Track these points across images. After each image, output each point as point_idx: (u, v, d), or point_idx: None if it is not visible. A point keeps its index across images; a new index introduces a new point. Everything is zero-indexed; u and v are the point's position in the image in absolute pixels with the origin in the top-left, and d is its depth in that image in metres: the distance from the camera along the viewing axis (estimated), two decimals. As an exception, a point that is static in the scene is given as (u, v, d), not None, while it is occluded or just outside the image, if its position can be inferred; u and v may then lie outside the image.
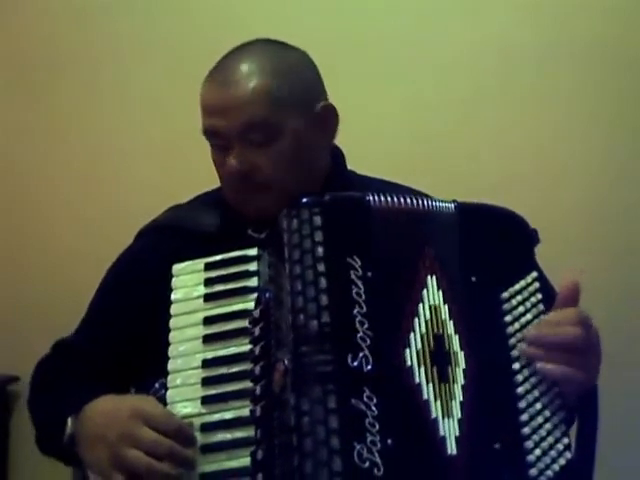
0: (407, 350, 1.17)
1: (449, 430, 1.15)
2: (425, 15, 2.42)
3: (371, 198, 1.25)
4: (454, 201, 1.28)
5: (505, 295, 1.24)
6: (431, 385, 1.16)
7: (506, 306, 1.24)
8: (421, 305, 1.21)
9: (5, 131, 2.73)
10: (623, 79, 2.31)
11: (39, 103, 2.69)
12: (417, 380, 1.16)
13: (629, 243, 2.30)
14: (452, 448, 1.14)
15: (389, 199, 1.25)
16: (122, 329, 1.45)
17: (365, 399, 1.11)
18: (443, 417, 1.15)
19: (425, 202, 1.27)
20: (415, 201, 1.26)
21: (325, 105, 1.45)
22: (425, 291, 1.22)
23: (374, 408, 1.10)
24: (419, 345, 1.18)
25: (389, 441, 1.09)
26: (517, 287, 1.25)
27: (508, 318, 1.23)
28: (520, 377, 1.20)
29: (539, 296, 1.25)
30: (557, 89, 2.35)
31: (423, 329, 1.19)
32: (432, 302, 1.21)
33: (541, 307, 1.25)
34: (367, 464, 1.07)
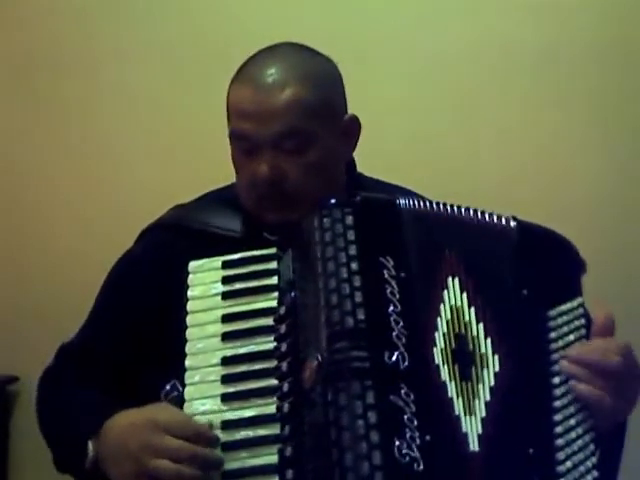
0: (434, 348, 1.19)
1: (471, 427, 1.17)
2: (425, 14, 2.43)
3: (400, 201, 1.27)
4: (514, 218, 1.30)
5: (552, 313, 1.26)
6: (453, 383, 1.18)
7: (552, 323, 1.26)
8: (442, 305, 1.23)
9: (5, 131, 2.72)
10: (623, 79, 2.31)
11: (39, 103, 2.69)
12: (443, 378, 1.18)
13: (629, 243, 2.30)
14: (474, 445, 1.16)
15: (416, 202, 1.28)
16: (126, 329, 1.44)
17: (403, 395, 1.12)
18: (465, 414, 1.17)
19: (465, 211, 1.29)
20: (442, 207, 1.29)
21: (351, 116, 1.46)
22: (446, 292, 1.23)
23: (412, 405, 1.12)
24: (442, 344, 1.20)
25: (427, 437, 1.11)
26: (564, 308, 1.27)
27: (553, 335, 1.25)
28: (558, 392, 1.23)
29: (583, 321, 1.28)
30: (557, 89, 2.35)
31: (444, 328, 1.21)
32: (453, 303, 1.23)
33: (583, 332, 1.27)
34: (407, 459, 1.08)
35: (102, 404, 1.33)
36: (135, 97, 2.61)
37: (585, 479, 1.20)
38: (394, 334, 1.16)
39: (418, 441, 1.10)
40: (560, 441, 1.20)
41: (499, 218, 1.30)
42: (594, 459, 1.21)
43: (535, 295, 1.26)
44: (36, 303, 2.65)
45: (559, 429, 1.20)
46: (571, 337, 1.26)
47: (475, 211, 1.29)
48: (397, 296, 1.19)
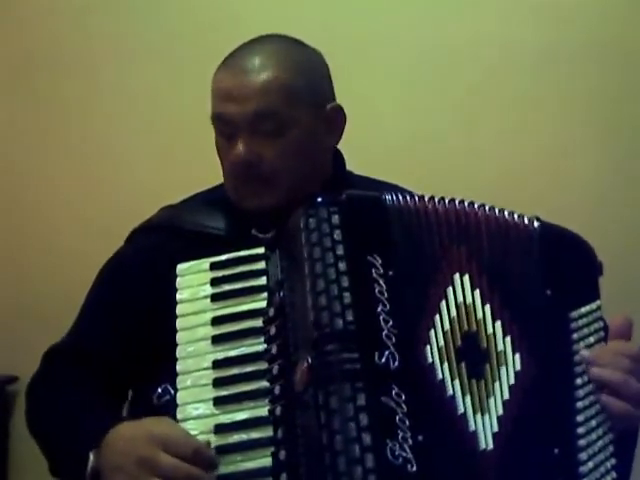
0: (427, 347, 1.18)
1: (482, 425, 1.16)
2: (424, 14, 2.42)
3: (387, 197, 1.26)
4: (537, 218, 1.30)
5: (574, 314, 1.27)
6: (457, 381, 1.17)
7: (573, 325, 1.26)
8: (444, 302, 1.21)
9: (5, 131, 2.72)
10: (622, 78, 2.31)
11: (39, 103, 2.69)
12: (440, 376, 1.17)
13: (628, 242, 2.30)
14: (487, 443, 1.15)
15: (405, 198, 1.27)
16: (117, 330, 1.43)
17: (394, 396, 1.12)
18: (475, 412, 1.16)
19: (480, 209, 1.28)
20: (450, 203, 1.27)
21: (335, 106, 1.46)
22: (451, 289, 1.22)
23: (403, 405, 1.11)
24: (441, 342, 1.19)
25: (420, 437, 1.10)
26: (584, 310, 1.28)
27: (575, 336, 1.26)
28: (581, 392, 1.23)
29: (601, 324, 1.28)
30: (557, 89, 2.35)
31: (447, 326, 1.20)
32: (461, 300, 1.22)
33: (602, 334, 1.28)
34: (400, 460, 1.08)
35: (101, 411, 1.32)
36: (135, 97, 2.61)
37: (605, 479, 1.20)
38: (384, 334, 1.15)
39: (410, 442, 1.09)
40: (582, 442, 1.20)
41: (520, 217, 1.29)
42: (613, 460, 1.22)
43: (559, 296, 1.26)
44: (36, 303, 2.65)
45: (581, 430, 1.21)
46: (591, 339, 1.27)
47: (492, 208, 1.29)
48: (385, 295, 1.18)
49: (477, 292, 1.23)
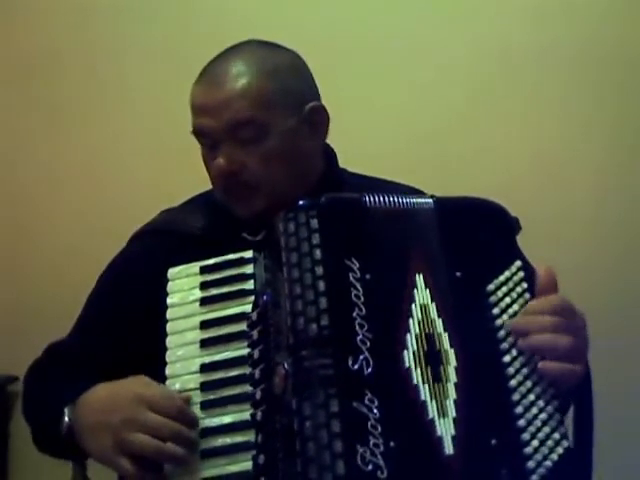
0: (405, 351, 1.17)
1: (445, 430, 1.14)
2: (425, 15, 2.42)
3: (367, 199, 1.25)
4: (432, 196, 1.28)
5: (491, 287, 1.23)
6: (427, 386, 1.16)
7: (492, 298, 1.22)
8: (413, 305, 1.20)
9: (6, 131, 2.73)
10: (623, 79, 2.31)
11: (39, 103, 2.69)
12: (415, 381, 1.15)
13: (629, 243, 2.30)
14: (449, 448, 1.13)
15: (385, 199, 1.25)
16: (115, 333, 1.44)
17: (367, 402, 1.10)
18: (439, 417, 1.14)
19: (406, 200, 1.26)
20: (400, 200, 1.26)
21: (314, 106, 1.44)
22: (415, 290, 1.21)
23: (376, 411, 1.10)
24: (414, 346, 1.17)
25: (392, 443, 1.09)
26: (502, 278, 1.24)
27: (495, 311, 1.22)
28: (512, 370, 1.19)
29: (524, 285, 1.24)
30: (557, 89, 2.35)
31: (417, 329, 1.19)
32: (422, 301, 1.21)
33: (527, 296, 1.23)
34: (370, 467, 1.07)
35: (83, 385, 1.32)
36: (135, 97, 2.61)
37: (555, 452, 1.16)
38: (358, 339, 1.14)
39: (382, 448, 1.08)
40: (522, 422, 1.16)
41: (421, 198, 1.26)
42: (562, 429, 1.17)
43: (469, 274, 1.22)
44: (36, 303, 2.66)
45: (519, 409, 1.17)
46: (515, 307, 1.22)
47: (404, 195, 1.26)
48: (362, 299, 1.16)
49: (428, 291, 1.22)
